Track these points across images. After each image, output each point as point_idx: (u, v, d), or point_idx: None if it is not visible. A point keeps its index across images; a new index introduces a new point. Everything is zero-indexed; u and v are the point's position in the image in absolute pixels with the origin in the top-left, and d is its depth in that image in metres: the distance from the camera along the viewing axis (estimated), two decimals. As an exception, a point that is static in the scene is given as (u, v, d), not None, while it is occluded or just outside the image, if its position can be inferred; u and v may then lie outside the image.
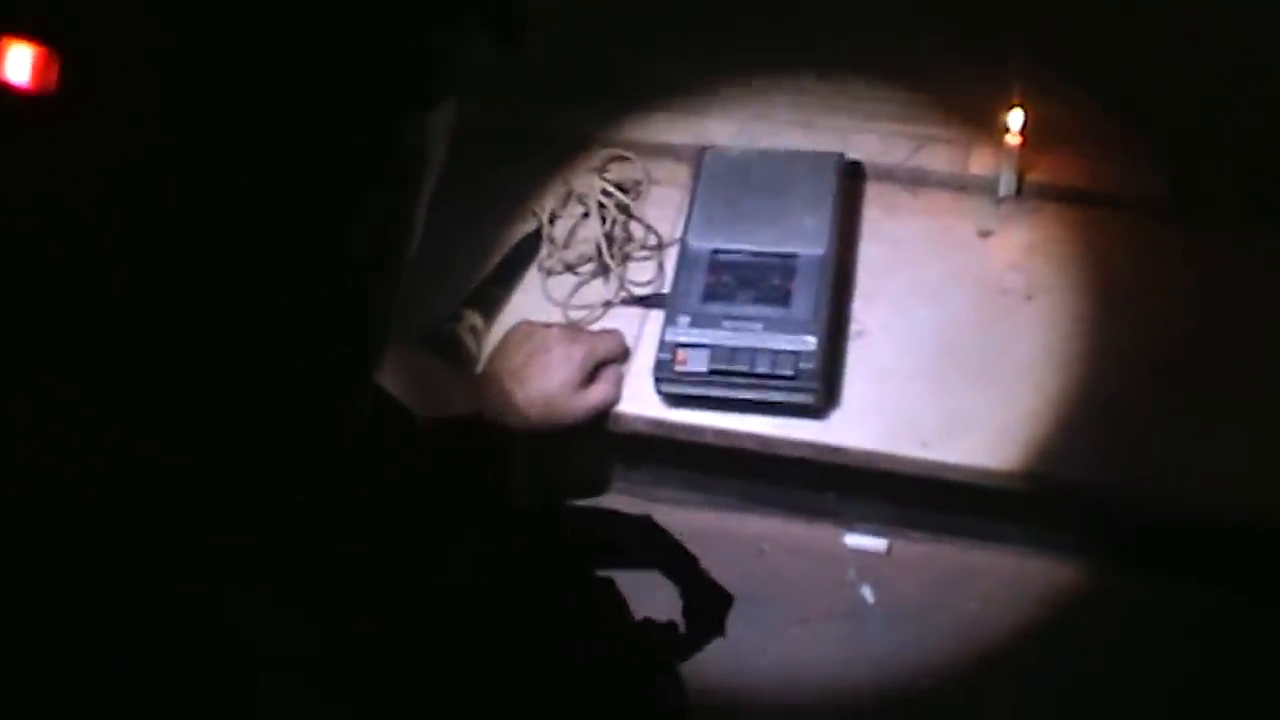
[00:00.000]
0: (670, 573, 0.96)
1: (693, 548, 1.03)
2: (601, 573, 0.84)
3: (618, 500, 1.34)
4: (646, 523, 0.96)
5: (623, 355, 1.31)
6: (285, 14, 0.55)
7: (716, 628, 0.94)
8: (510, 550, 0.72)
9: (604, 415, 1.28)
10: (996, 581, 1.34)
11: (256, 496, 0.59)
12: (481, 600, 0.71)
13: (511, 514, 0.75)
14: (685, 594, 0.95)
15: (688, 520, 1.30)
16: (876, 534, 1.35)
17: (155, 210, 0.53)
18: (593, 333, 1.32)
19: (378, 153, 0.61)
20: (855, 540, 1.34)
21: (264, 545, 0.59)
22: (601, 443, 1.31)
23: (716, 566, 1.03)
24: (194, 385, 0.55)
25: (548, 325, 1.30)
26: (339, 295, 0.62)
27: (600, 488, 1.34)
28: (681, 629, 0.91)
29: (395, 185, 0.64)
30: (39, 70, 0.51)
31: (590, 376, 1.26)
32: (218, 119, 0.54)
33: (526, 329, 1.29)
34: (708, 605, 0.95)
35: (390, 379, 0.76)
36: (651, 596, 0.90)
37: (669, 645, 0.88)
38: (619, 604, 0.83)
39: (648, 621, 0.86)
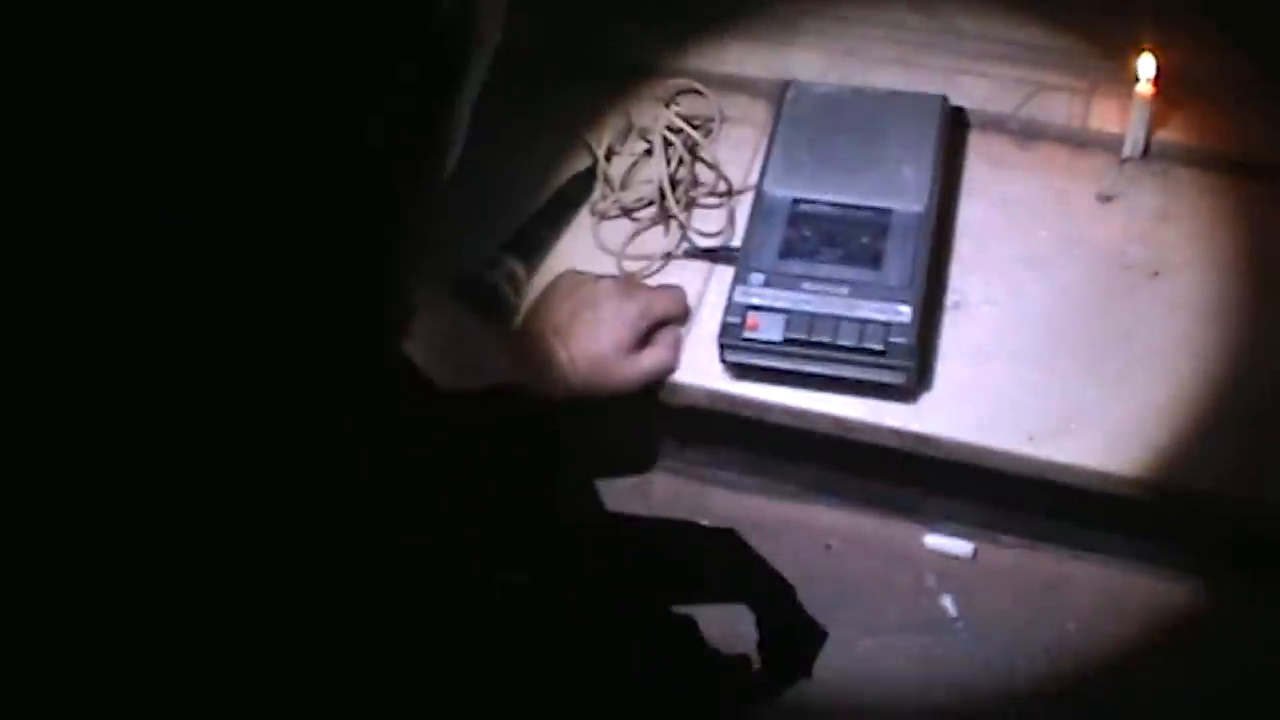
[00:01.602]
0: (760, 607, 0.81)
1: (749, 539, 0.90)
2: (678, 608, 0.70)
3: (664, 477, 1.25)
4: (732, 541, 0.82)
5: (683, 316, 1.20)
6: None
7: (804, 670, 0.81)
8: (565, 578, 0.59)
9: (658, 383, 1.17)
10: (1097, 598, 1.19)
11: (255, 497, 0.56)
12: (535, 637, 0.61)
13: (564, 528, 0.62)
14: (774, 630, 0.81)
15: (744, 507, 1.24)
16: (962, 536, 1.21)
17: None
18: (650, 288, 1.20)
19: (410, 22, 0.53)
20: (937, 541, 1.21)
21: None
22: (652, 414, 1.20)
23: (775, 562, 0.91)
24: (194, 382, 0.54)
25: (598, 277, 1.19)
26: (350, 198, 0.55)
27: (646, 464, 1.26)
28: (757, 664, 0.77)
29: (429, 64, 0.54)
30: None
31: (644, 338, 1.15)
32: None
33: (574, 279, 1.18)
34: (799, 645, 0.81)
35: (416, 336, 0.65)
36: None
37: (746, 689, 0.75)
38: (699, 649, 0.70)
39: (722, 659, 0.72)
